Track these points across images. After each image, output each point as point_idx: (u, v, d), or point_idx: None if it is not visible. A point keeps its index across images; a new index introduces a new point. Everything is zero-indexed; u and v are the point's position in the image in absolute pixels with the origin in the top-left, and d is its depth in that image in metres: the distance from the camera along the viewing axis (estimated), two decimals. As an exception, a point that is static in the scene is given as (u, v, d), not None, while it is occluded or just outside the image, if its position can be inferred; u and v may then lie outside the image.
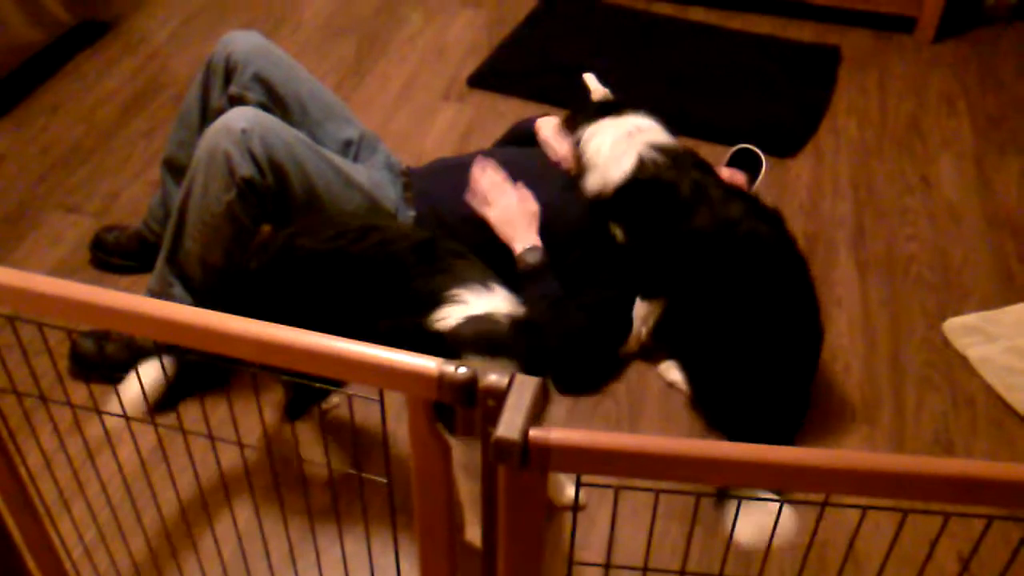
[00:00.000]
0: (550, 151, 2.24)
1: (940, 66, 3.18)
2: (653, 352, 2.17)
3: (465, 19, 3.42)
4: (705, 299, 1.98)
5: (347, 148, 2.23)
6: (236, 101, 2.14)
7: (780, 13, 3.41)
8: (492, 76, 3.09)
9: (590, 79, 3.15)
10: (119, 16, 3.37)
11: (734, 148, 2.45)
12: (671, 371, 2.11)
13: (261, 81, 2.15)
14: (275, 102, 2.16)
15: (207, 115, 2.19)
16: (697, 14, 3.42)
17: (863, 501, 0.85)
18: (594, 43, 3.25)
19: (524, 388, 0.86)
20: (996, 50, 3.26)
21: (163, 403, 1.97)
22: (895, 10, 3.30)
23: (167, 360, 1.57)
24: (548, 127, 2.29)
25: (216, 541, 1.48)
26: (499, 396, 0.86)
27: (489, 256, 2.02)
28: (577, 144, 2.12)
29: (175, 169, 2.25)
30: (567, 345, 2.02)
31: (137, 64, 3.15)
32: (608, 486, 0.90)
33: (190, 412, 1.99)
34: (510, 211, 2.06)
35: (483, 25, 3.38)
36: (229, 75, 2.16)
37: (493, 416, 0.86)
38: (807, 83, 3.08)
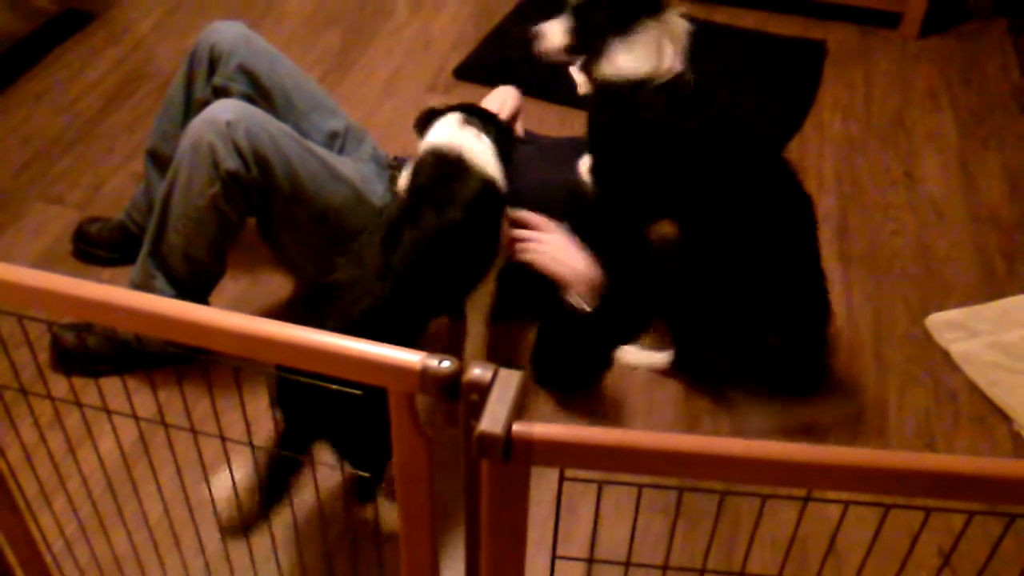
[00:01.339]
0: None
1: (924, 61, 3.19)
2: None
3: (451, 11, 3.41)
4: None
5: (333, 140, 2.22)
6: (220, 92, 2.13)
7: (765, 7, 3.41)
8: (478, 68, 3.09)
9: (575, 72, 3.14)
10: (103, 5, 3.34)
11: None
12: (628, 355, 2.12)
13: (246, 72, 2.13)
14: (260, 93, 2.15)
15: (191, 106, 2.17)
16: (681, 8, 3.41)
17: (845, 496, 0.86)
18: (580, 36, 3.24)
19: (508, 382, 0.86)
20: (980, 46, 3.27)
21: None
22: (880, 5, 3.31)
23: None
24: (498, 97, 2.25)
25: (199, 536, 1.47)
26: (482, 390, 0.86)
27: None
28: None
29: (159, 160, 2.24)
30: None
31: (121, 54, 3.13)
32: (591, 480, 0.90)
33: (172, 406, 1.98)
34: (569, 267, 1.99)
35: (469, 17, 3.37)
36: (213, 66, 2.15)
37: (476, 410, 0.85)
38: (792, 78, 3.08)
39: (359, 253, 1.71)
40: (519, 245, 1.98)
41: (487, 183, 1.81)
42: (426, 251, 1.69)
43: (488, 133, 1.89)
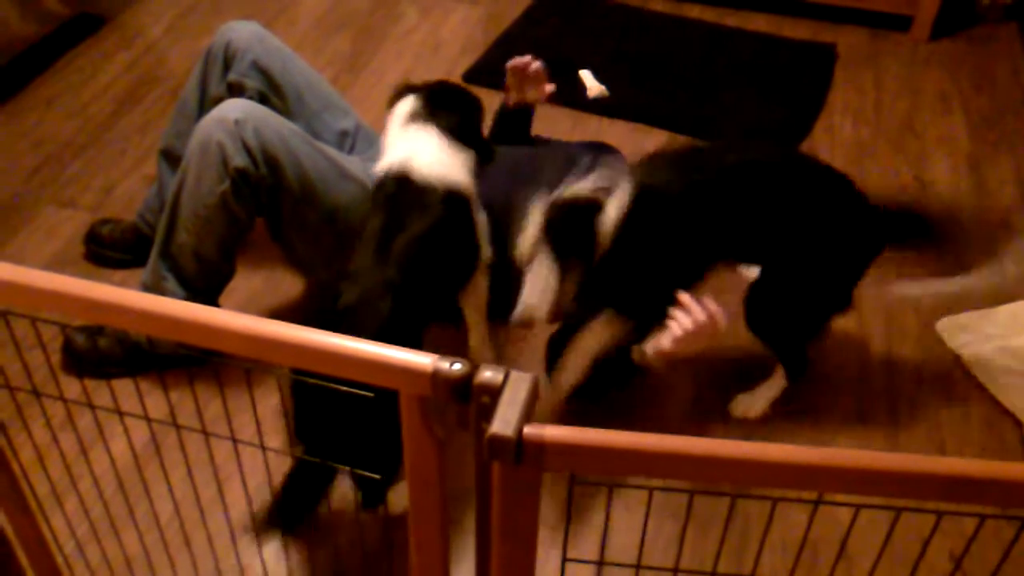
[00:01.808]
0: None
1: (935, 65, 3.18)
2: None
3: (461, 15, 3.41)
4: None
5: (343, 139, 2.22)
6: (235, 88, 2.14)
7: (776, 11, 3.41)
8: (488, 72, 3.09)
9: (586, 76, 3.14)
10: (115, 10, 3.36)
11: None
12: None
13: (260, 69, 2.15)
14: (273, 90, 2.16)
15: (205, 104, 2.18)
16: (693, 11, 3.42)
17: (856, 499, 0.85)
18: (590, 40, 3.25)
19: (519, 385, 0.86)
20: (990, 49, 3.26)
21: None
22: (891, 9, 3.30)
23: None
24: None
25: (209, 537, 1.48)
26: (494, 392, 0.86)
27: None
28: None
29: (172, 159, 2.24)
30: None
31: (132, 58, 3.14)
32: (602, 483, 0.90)
33: (184, 407, 1.98)
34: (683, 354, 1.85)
35: (479, 21, 3.38)
36: (228, 63, 2.17)
37: (487, 413, 0.85)
38: (802, 81, 3.08)
39: (357, 273, 1.70)
40: (680, 322, 1.76)
41: (448, 191, 1.79)
42: (420, 250, 1.71)
43: (444, 119, 1.87)
